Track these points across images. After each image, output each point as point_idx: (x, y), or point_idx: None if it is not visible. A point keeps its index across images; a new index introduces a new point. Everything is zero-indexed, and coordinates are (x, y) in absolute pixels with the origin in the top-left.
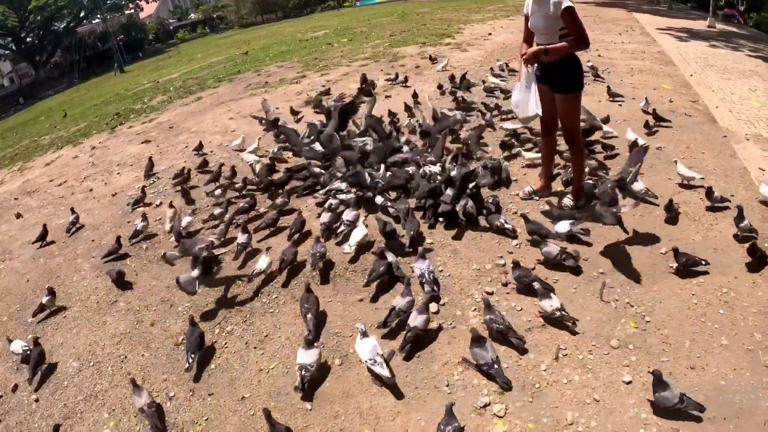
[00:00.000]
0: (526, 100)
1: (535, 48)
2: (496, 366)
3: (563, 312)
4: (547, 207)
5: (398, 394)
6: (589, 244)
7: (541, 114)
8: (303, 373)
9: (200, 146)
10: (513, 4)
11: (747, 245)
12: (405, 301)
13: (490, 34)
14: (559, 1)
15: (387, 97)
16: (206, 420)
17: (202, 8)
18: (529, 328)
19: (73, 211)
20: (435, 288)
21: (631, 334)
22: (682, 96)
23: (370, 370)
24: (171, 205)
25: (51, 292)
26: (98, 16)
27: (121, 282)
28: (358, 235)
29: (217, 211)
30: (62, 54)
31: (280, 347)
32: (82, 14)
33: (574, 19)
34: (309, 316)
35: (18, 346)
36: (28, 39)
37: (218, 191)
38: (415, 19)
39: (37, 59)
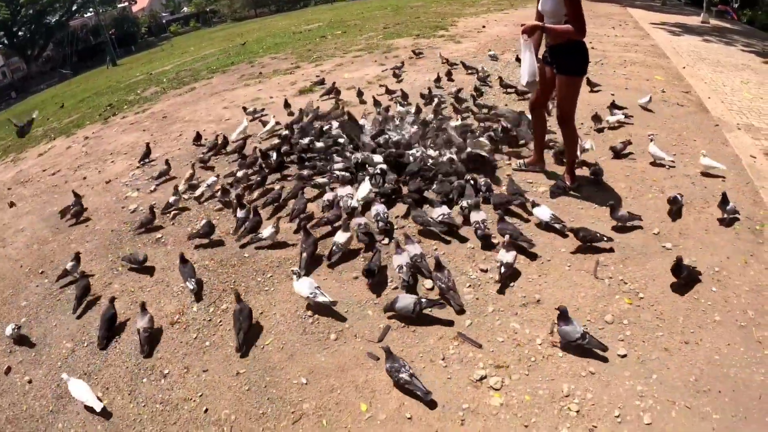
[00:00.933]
0: (522, 68)
1: (534, 22)
2: (423, 300)
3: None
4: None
5: (341, 318)
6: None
7: (528, 81)
8: (334, 249)
9: (198, 137)
10: None
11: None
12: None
13: (483, 26)
14: None
15: (381, 86)
16: (200, 396)
17: (195, 2)
18: (524, 304)
19: (75, 195)
20: (387, 224)
21: (625, 309)
22: (675, 87)
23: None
24: (192, 167)
25: (76, 258)
26: (90, 9)
27: (143, 267)
28: (364, 188)
29: (219, 193)
30: (54, 48)
31: (276, 324)
32: (74, 8)
33: (574, 7)
34: (304, 255)
35: (9, 329)
36: (20, 33)
37: (240, 173)
38: (409, 12)
39: (29, 53)
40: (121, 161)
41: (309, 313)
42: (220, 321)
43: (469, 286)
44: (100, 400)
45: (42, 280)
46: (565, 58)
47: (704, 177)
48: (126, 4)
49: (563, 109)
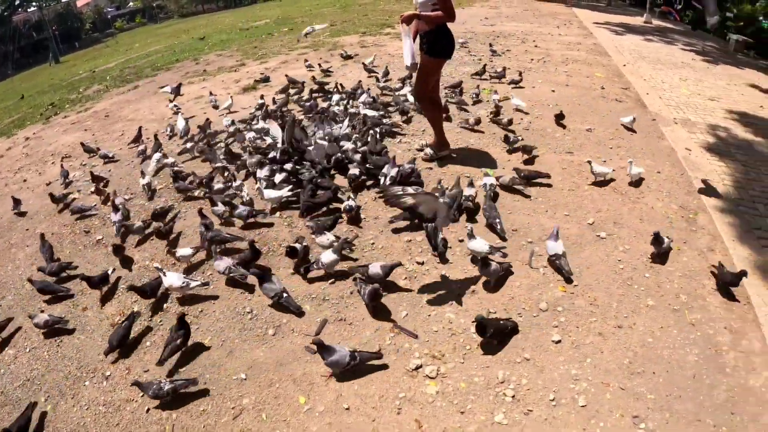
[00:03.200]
0: (405, 52)
1: (411, 12)
2: (285, 295)
3: (340, 243)
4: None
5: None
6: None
7: (409, 64)
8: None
9: (139, 136)
10: None
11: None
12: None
13: None
14: None
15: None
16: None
17: None
18: (459, 295)
19: (15, 200)
20: None
21: (559, 297)
22: (614, 83)
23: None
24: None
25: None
26: (34, 4)
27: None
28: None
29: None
30: None
31: (215, 321)
32: (17, 2)
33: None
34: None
35: None
36: None
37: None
38: (357, 9)
39: None
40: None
41: (248, 309)
42: (161, 321)
43: (406, 278)
44: None
45: None
46: (430, 41)
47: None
48: None
49: (418, 83)
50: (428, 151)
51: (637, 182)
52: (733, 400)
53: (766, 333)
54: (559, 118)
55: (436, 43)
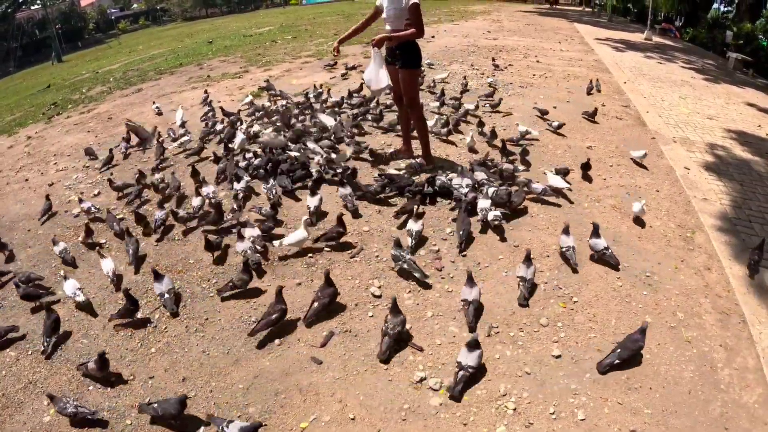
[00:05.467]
0: (378, 76)
1: (382, 34)
2: (166, 296)
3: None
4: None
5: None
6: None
7: (390, 84)
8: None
9: (141, 141)
10: (457, 9)
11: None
12: None
13: (433, 36)
14: None
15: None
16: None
17: None
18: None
19: (47, 198)
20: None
21: (559, 313)
22: (615, 101)
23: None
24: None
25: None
26: (38, 2)
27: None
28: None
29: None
30: None
31: (220, 329)
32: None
33: (417, 13)
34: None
35: None
36: None
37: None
38: (360, 19)
39: None
40: (64, 163)
41: (253, 318)
42: (165, 327)
43: (409, 291)
44: None
45: None
46: (403, 56)
47: (639, 187)
48: None
49: (407, 96)
50: (414, 163)
51: (636, 219)
52: (727, 416)
53: (760, 350)
54: (586, 168)
55: (411, 56)
